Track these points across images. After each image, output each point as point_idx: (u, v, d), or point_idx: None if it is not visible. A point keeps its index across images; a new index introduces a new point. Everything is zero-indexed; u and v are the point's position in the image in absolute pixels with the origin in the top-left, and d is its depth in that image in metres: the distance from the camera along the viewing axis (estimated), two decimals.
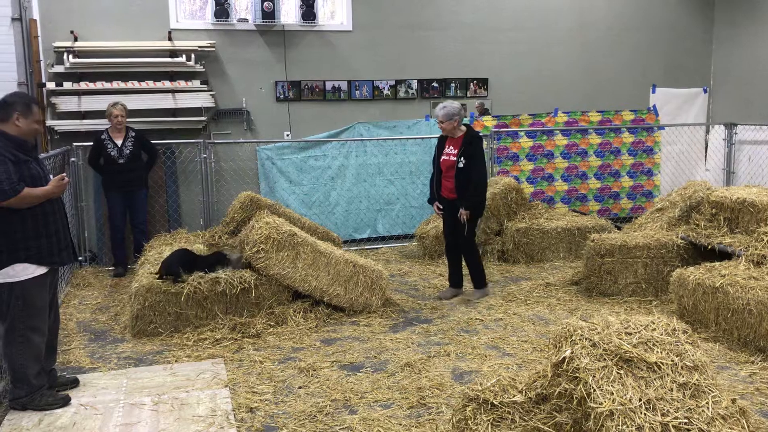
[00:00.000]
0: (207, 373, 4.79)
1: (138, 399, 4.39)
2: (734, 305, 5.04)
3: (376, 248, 9.04)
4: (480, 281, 6.61)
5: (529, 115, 10.05)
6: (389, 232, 9.50)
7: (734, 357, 4.87)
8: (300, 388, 4.52)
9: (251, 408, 4.22)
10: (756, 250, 5.48)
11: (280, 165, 9.10)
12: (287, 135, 9.21)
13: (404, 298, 6.62)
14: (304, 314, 5.89)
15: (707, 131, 10.62)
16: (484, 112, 9.94)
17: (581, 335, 3.00)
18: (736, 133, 9.88)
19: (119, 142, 7.63)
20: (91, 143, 7.75)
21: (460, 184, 6.21)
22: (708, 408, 2.75)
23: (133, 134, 7.76)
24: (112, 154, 7.59)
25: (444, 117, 6.22)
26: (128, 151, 7.64)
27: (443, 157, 6.36)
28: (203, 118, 8.63)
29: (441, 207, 6.46)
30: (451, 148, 6.31)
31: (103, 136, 7.65)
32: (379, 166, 9.43)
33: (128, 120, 7.79)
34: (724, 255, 5.89)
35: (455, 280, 6.68)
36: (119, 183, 7.65)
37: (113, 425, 4.03)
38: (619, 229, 7.94)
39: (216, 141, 8.62)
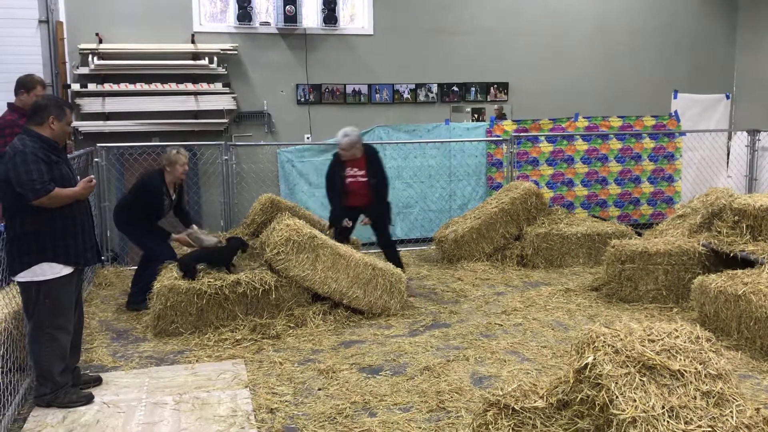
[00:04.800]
0: (228, 374, 4.83)
1: (160, 398, 4.44)
2: (757, 313, 4.99)
3: None
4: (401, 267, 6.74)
5: (550, 119, 10.02)
6: (408, 236, 9.51)
7: (757, 366, 4.82)
8: (319, 389, 4.54)
9: (271, 409, 4.25)
10: None
11: (300, 167, 9.15)
12: (307, 138, 9.26)
13: (423, 301, 6.63)
14: (323, 316, 5.93)
15: (729, 137, 10.53)
16: (501, 116, 9.93)
17: (604, 341, 3.00)
18: (759, 140, 9.78)
19: (173, 197, 6.56)
20: (145, 184, 6.43)
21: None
22: (732, 417, 2.74)
23: (179, 186, 6.70)
24: (165, 206, 6.50)
25: (347, 146, 6.46)
26: (172, 206, 6.65)
27: (349, 179, 6.61)
28: (225, 121, 8.71)
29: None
30: (355, 169, 6.61)
31: (163, 189, 6.40)
32: (398, 169, 9.44)
33: (150, 122, 7.81)
34: (746, 263, 5.84)
35: None
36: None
37: (135, 423, 4.08)
38: (639, 235, 7.89)
39: (237, 143, 8.69)
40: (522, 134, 9.80)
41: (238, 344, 5.43)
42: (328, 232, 6.73)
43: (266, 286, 5.82)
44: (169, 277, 5.85)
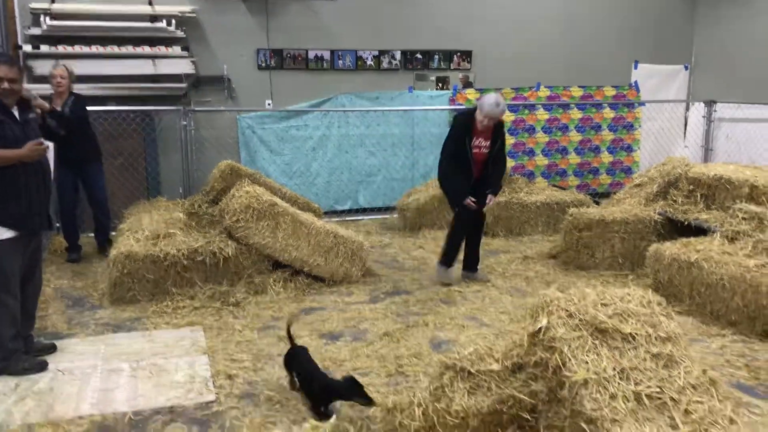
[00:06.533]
0: (186, 341, 4.79)
1: (116, 365, 4.39)
2: (708, 280, 5.13)
3: (357, 220, 9.04)
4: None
5: (512, 89, 10.03)
6: (370, 204, 9.50)
7: (706, 330, 4.97)
8: (279, 356, 4.52)
9: (230, 375, 4.24)
10: (731, 226, 5.56)
11: (261, 134, 9.03)
12: (268, 104, 9.12)
13: (384, 269, 6.64)
14: (284, 284, 5.91)
15: (687, 108, 10.69)
16: (467, 84, 9.91)
17: (558, 306, 3.04)
18: (715, 111, 9.95)
19: (58, 109, 6.55)
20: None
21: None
22: (680, 378, 2.81)
23: (72, 98, 6.68)
24: (52, 124, 6.45)
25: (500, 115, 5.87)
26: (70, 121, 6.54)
27: (474, 150, 5.95)
28: (183, 85, 8.51)
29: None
30: (481, 140, 5.96)
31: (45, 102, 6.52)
32: (360, 137, 9.38)
33: (106, 86, 7.58)
34: (700, 231, 5.98)
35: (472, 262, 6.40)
36: (67, 156, 6.26)
37: (91, 390, 4.03)
38: (597, 204, 8.01)
39: (196, 108, 8.51)
40: None
41: (196, 311, 5.39)
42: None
43: (225, 254, 5.77)
44: (125, 243, 5.75)
